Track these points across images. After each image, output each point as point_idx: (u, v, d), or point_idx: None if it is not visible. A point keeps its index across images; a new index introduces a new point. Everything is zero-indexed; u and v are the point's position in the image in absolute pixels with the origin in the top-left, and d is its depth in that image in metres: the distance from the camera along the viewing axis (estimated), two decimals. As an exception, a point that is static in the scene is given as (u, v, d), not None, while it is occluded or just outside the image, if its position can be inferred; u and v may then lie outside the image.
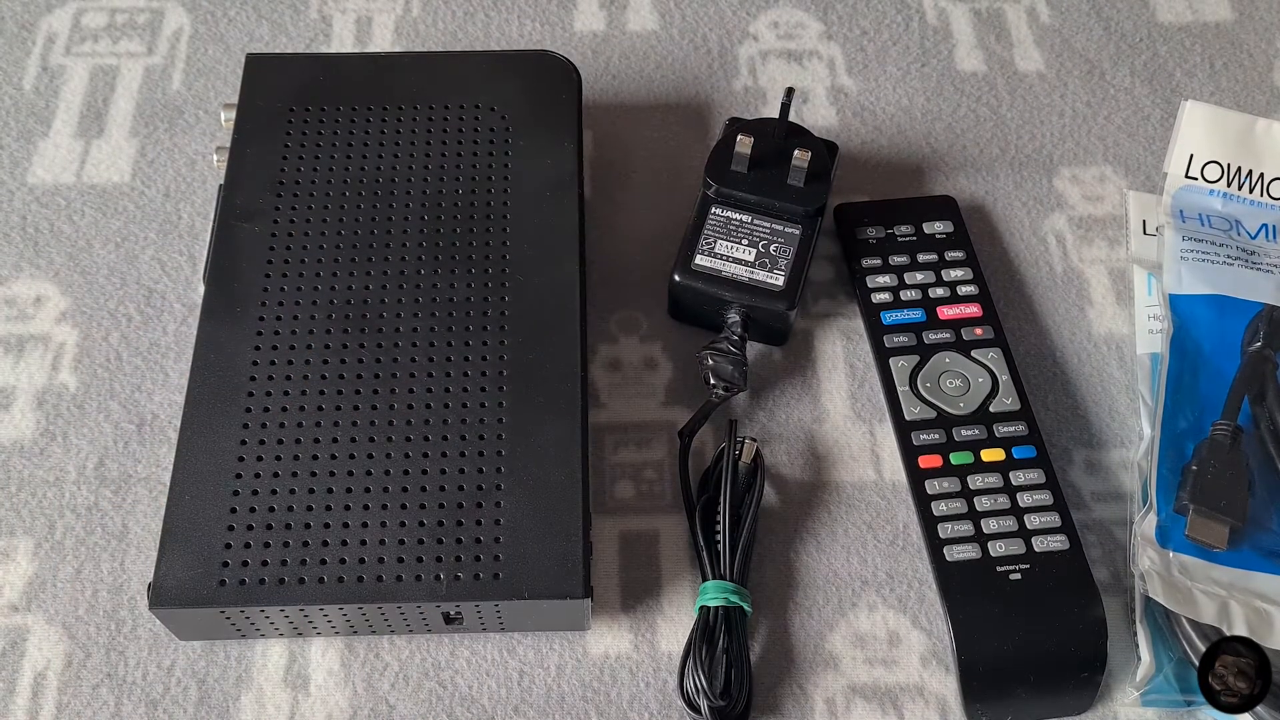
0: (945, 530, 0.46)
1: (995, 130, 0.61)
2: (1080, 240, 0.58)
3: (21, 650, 0.46)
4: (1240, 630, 0.43)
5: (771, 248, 0.52)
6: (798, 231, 0.52)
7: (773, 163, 0.53)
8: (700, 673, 0.44)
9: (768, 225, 0.52)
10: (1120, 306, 0.56)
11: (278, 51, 0.63)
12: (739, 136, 0.52)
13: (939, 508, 0.47)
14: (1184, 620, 0.44)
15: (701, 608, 0.45)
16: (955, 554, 0.46)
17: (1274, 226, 0.55)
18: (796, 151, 0.52)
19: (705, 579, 0.46)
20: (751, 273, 0.51)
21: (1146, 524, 0.47)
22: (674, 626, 0.47)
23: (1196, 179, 0.56)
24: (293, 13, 0.65)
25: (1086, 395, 0.53)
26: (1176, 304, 0.52)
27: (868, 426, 0.52)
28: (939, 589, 0.46)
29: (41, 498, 0.49)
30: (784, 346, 0.54)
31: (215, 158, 0.54)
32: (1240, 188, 0.56)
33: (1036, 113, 0.62)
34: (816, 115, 0.62)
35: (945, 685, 0.46)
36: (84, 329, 0.54)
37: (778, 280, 0.51)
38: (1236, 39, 0.65)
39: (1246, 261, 0.53)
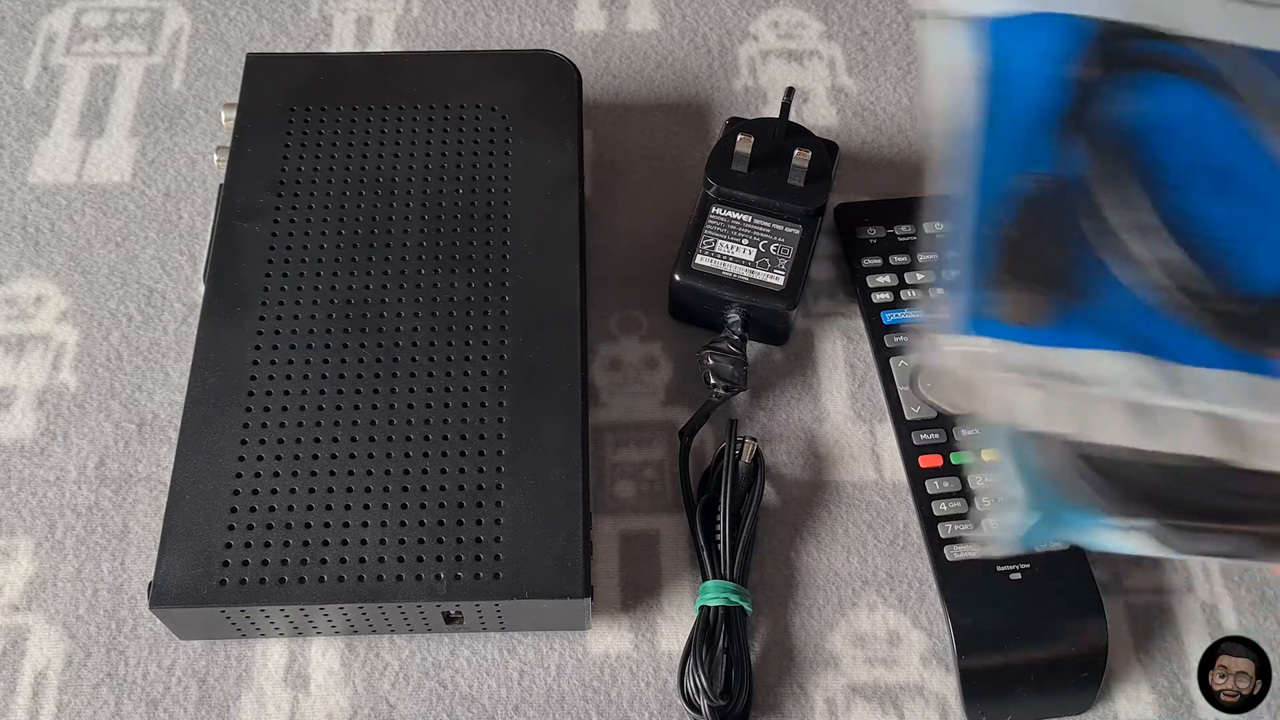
0: (945, 530, 0.46)
1: (995, 130, 0.61)
2: (1080, 240, 0.58)
3: (22, 650, 0.46)
4: (1060, 421, 0.36)
5: (772, 247, 0.52)
6: (798, 231, 0.52)
7: (773, 162, 0.53)
8: (700, 672, 0.44)
9: (768, 225, 0.52)
10: (1120, 306, 0.56)
11: (278, 51, 0.63)
12: (739, 136, 0.52)
13: (939, 507, 0.47)
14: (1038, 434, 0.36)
15: (702, 607, 0.45)
16: (955, 554, 0.46)
17: None
18: (797, 151, 0.52)
19: (705, 578, 0.46)
20: (752, 272, 0.51)
21: (947, 311, 0.37)
22: (674, 626, 0.47)
23: None
24: (293, 13, 0.65)
25: (1087, 395, 0.53)
26: (978, 35, 0.41)
27: (868, 426, 0.52)
28: (939, 589, 0.46)
29: (42, 497, 0.49)
30: (784, 346, 0.54)
31: (215, 157, 0.54)
32: None
33: (1037, 112, 0.62)
34: (816, 115, 0.62)
35: (945, 685, 0.46)
36: (84, 329, 0.54)
37: (778, 280, 0.51)
38: (1237, 39, 0.65)
39: None
